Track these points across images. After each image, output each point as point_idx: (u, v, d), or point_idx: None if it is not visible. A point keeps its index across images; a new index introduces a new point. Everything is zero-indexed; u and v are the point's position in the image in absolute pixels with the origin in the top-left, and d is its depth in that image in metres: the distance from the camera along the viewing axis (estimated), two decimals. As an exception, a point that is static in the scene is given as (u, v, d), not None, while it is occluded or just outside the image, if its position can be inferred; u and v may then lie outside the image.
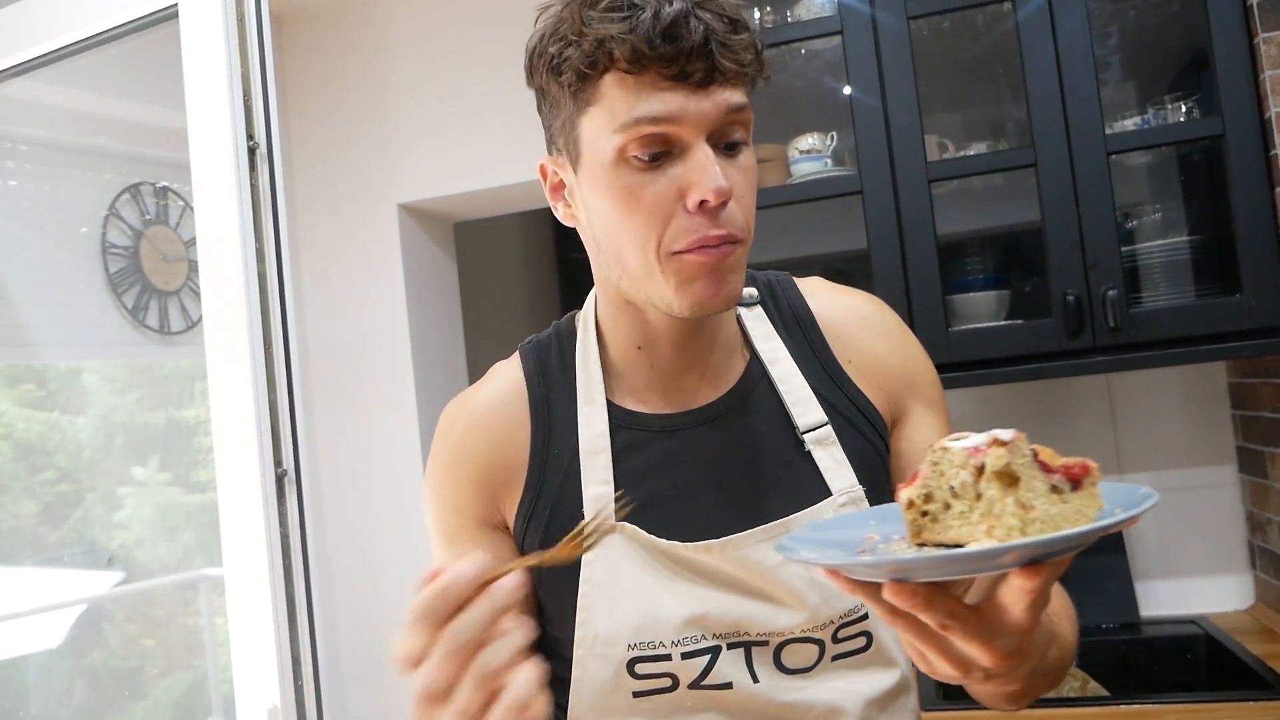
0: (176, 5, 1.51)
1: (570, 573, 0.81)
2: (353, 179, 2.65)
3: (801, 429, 0.84)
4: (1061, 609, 0.78)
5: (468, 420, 0.88)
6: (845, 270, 2.01)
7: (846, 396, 0.87)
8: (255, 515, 1.40)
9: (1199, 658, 1.85)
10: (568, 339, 0.90)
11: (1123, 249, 1.74)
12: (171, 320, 2.62)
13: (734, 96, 0.73)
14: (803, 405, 0.85)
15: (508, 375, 0.90)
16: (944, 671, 0.57)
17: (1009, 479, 0.51)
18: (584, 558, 0.80)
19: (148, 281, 2.57)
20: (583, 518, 0.81)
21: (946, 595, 0.53)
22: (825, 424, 0.84)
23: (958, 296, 1.87)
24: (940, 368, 0.96)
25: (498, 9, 2.51)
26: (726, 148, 0.75)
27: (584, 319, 0.89)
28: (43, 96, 2.36)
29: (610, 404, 0.85)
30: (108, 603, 2.66)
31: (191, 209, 1.52)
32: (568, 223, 0.84)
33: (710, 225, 0.73)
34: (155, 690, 2.71)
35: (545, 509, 0.84)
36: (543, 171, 0.83)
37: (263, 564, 1.39)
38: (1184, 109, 1.79)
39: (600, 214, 0.77)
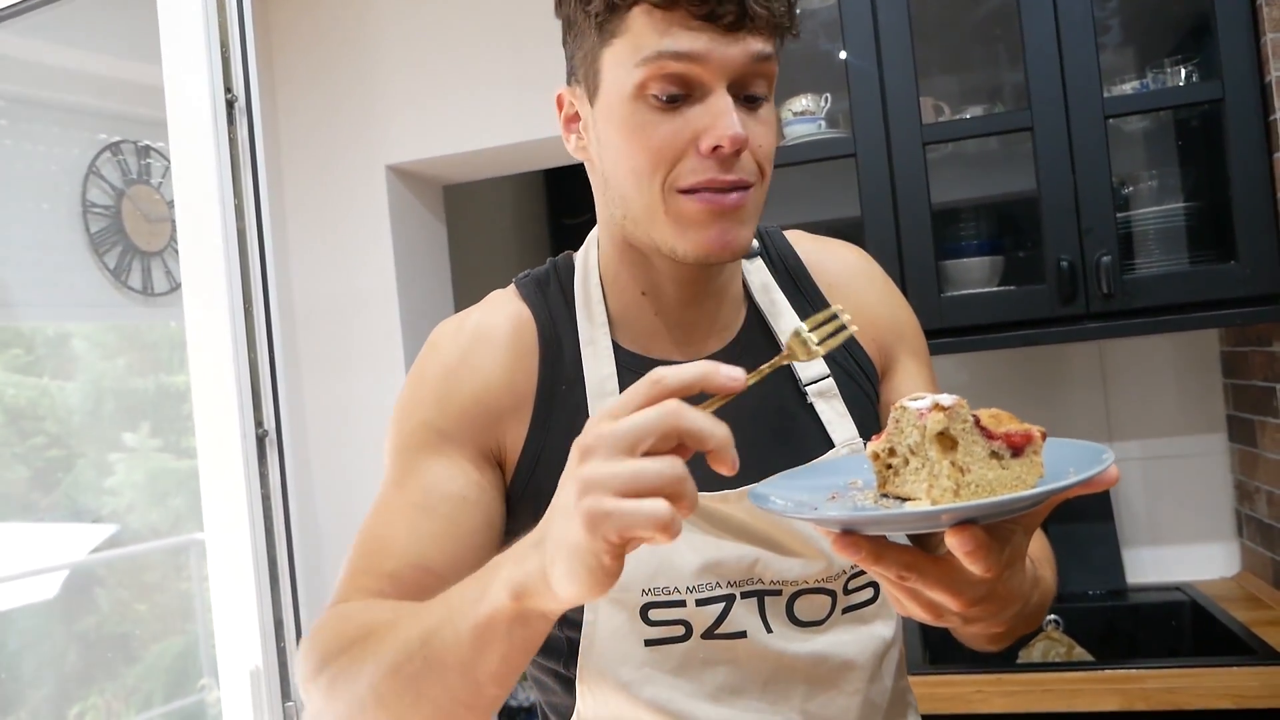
0: (152, -46, 1.47)
1: None
2: (340, 139, 2.61)
3: (804, 381, 0.84)
4: (1041, 553, 0.78)
5: (473, 336, 0.83)
6: (839, 234, 1.98)
7: (844, 348, 0.87)
8: (236, 477, 1.38)
9: (1184, 624, 1.86)
10: (566, 277, 0.87)
11: (1118, 215, 1.72)
12: (155, 281, 2.59)
13: (761, 45, 0.72)
14: None
15: (510, 304, 0.86)
16: (916, 614, 0.58)
17: (948, 442, 0.54)
18: None
19: (130, 242, 2.54)
20: None
21: (900, 549, 0.54)
22: (827, 376, 0.84)
23: (951, 262, 1.85)
24: (932, 333, 0.96)
25: (487, -34, 2.46)
26: (747, 100, 0.74)
27: (583, 260, 0.87)
28: (21, 51, 2.31)
29: (616, 346, 0.83)
30: (100, 568, 2.66)
31: (173, 167, 1.49)
32: (577, 155, 0.82)
33: (720, 170, 0.72)
34: (147, 654, 2.72)
35: (555, 452, 0.80)
36: (559, 101, 0.82)
37: (244, 525, 1.37)
38: (1183, 73, 1.76)
39: (611, 149, 0.76)
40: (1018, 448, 0.54)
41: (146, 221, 2.57)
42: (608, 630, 0.78)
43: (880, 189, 1.77)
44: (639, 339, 0.84)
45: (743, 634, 0.79)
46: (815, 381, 0.84)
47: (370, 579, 0.76)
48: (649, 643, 0.78)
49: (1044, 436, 0.55)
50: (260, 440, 1.41)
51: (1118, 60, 1.97)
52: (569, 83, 0.81)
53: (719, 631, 0.79)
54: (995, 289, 1.83)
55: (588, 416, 0.80)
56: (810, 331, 0.65)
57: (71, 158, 2.47)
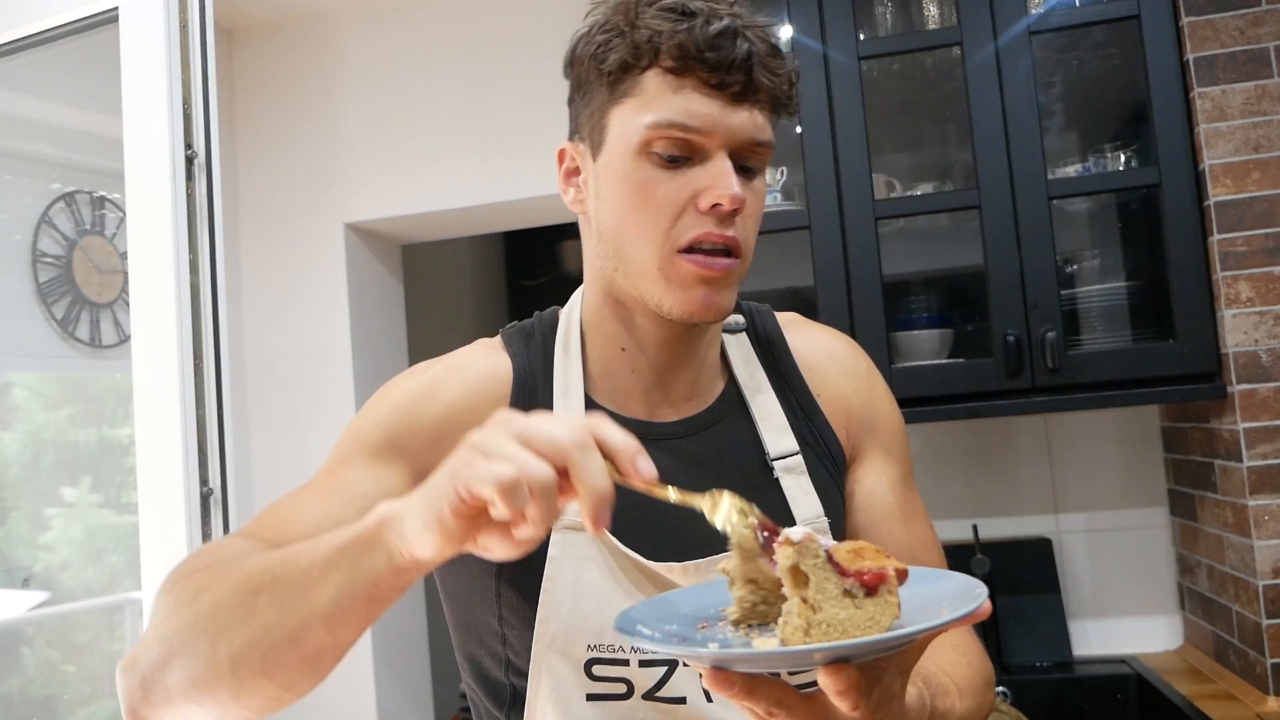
0: (117, 8, 1.47)
1: (534, 569, 0.79)
2: (299, 196, 2.61)
3: (772, 455, 0.85)
4: (964, 681, 0.77)
5: (446, 369, 0.85)
6: (794, 305, 2.02)
7: (816, 430, 0.89)
8: (178, 536, 1.34)
9: (1129, 697, 1.87)
10: (549, 330, 0.89)
11: (1062, 292, 1.78)
12: (103, 333, 2.54)
13: (763, 120, 0.77)
14: (776, 432, 0.86)
15: (492, 353, 0.88)
16: None
17: (800, 577, 0.52)
18: (550, 554, 0.79)
19: (79, 293, 2.49)
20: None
21: (772, 684, 0.54)
22: (796, 453, 0.86)
23: (901, 334, 1.89)
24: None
25: (452, 30, 2.51)
26: (742, 170, 0.78)
27: (568, 314, 0.89)
28: (-22, 99, 2.29)
29: (589, 399, 0.85)
30: (28, 626, 2.55)
31: (128, 219, 1.47)
32: (573, 209, 0.86)
33: (719, 225, 0.76)
34: (74, 719, 2.59)
35: None
36: (560, 155, 0.86)
37: (182, 588, 1.32)
38: (1123, 158, 1.84)
39: (610, 203, 0.79)
40: (871, 587, 0.52)
41: (98, 273, 2.53)
42: (552, 681, 0.79)
43: (833, 261, 1.82)
44: (614, 396, 0.86)
45: (683, 700, 0.79)
46: (784, 457, 0.85)
47: (266, 536, 0.74)
48: (590, 697, 0.79)
49: (903, 576, 0.54)
50: (205, 499, 1.37)
51: (1061, 144, 2.06)
52: (571, 138, 0.85)
53: (660, 694, 0.79)
54: (944, 361, 1.86)
55: None
56: (737, 511, 0.59)
57: (23, 206, 2.43)
